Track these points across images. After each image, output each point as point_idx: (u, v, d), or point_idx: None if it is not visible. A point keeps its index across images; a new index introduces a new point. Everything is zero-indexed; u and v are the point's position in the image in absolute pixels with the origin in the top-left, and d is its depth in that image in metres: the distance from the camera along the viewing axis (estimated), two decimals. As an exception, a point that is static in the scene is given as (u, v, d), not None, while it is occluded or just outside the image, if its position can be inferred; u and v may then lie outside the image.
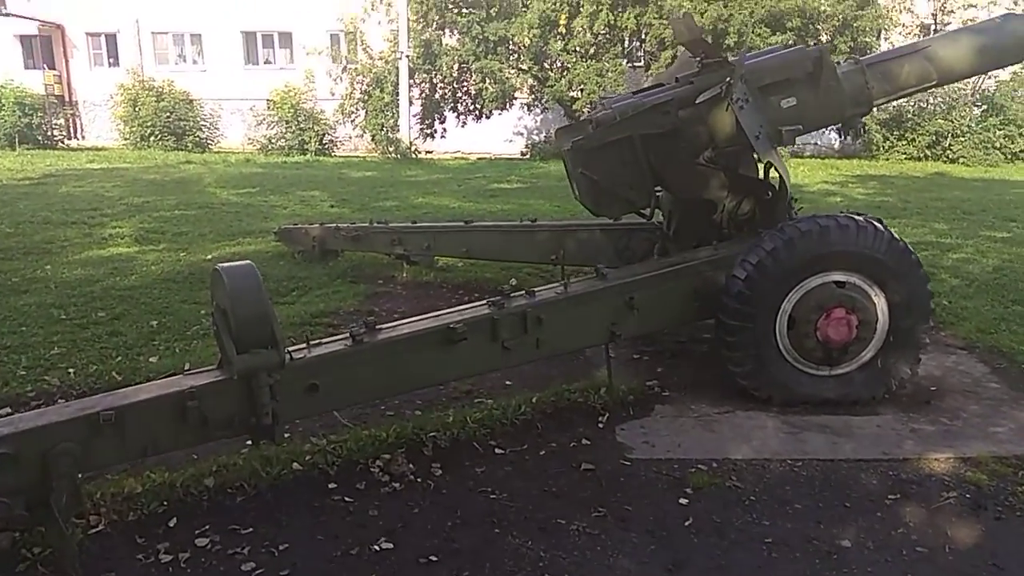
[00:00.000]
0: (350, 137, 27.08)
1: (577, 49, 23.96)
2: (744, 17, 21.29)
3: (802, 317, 4.34)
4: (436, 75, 25.37)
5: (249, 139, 25.89)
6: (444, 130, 26.98)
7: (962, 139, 22.99)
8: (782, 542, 3.16)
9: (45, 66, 31.25)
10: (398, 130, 25.10)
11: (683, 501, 3.44)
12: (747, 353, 4.39)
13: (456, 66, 24.80)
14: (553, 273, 7.62)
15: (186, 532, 3.09)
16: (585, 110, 24.30)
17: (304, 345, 3.52)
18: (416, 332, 3.69)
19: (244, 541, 3.07)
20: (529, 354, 4.09)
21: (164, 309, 6.09)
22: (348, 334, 3.60)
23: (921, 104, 22.30)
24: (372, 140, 26.04)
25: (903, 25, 24.53)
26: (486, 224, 7.22)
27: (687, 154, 4.99)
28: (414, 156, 24.57)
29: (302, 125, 25.37)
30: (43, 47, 32.04)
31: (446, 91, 26.21)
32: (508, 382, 4.82)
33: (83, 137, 30.59)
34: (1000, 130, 22.99)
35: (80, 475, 2.96)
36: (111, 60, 32.04)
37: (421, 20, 24.93)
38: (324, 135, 25.66)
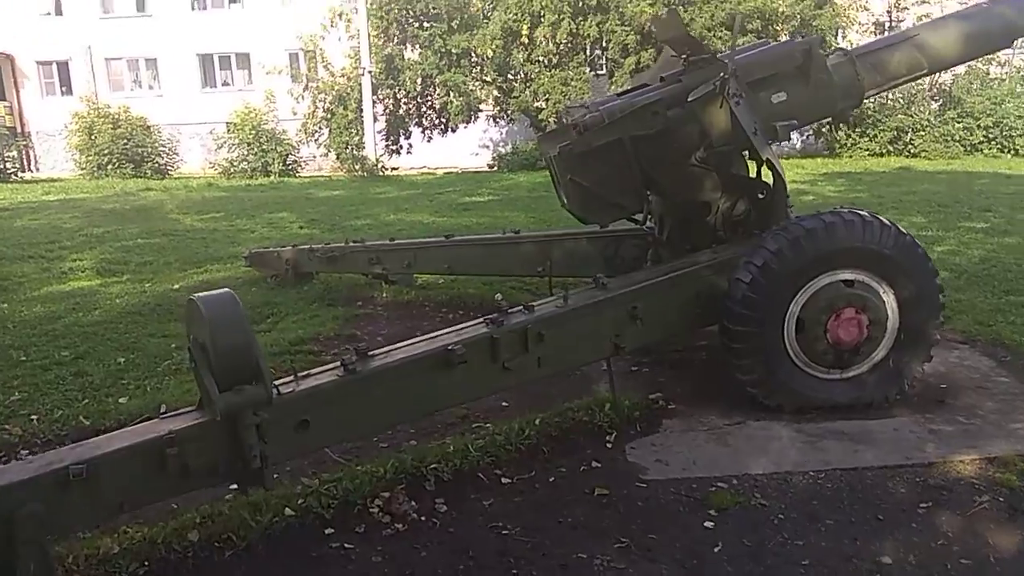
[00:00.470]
0: (314, 157, 26.72)
1: (540, 59, 23.95)
2: (705, 20, 21.42)
3: (811, 319, 4.16)
4: (400, 90, 25.18)
5: (210, 163, 25.41)
6: (410, 146, 26.76)
7: (922, 133, 23.35)
8: (820, 563, 2.94)
9: (-6, 97, 30.45)
10: (364, 147, 24.80)
11: (708, 525, 3.21)
12: (755, 360, 4.19)
13: (419, 80, 24.60)
14: (538, 286, 7.40)
15: (171, 596, 2.79)
16: (551, 120, 24.25)
17: (291, 378, 3.23)
18: (412, 357, 3.42)
19: (236, 602, 2.77)
20: (530, 373, 3.84)
21: (132, 344, 5.73)
22: (339, 363, 3.32)
23: (881, 100, 22.59)
24: (337, 159, 25.72)
25: (859, 23, 24.92)
26: (468, 238, 6.97)
27: (678, 155, 4.80)
28: (381, 173, 24.29)
29: (264, 147, 24.94)
30: (-8, 78, 31.20)
31: (410, 106, 26.04)
32: (505, 403, 4.57)
33: (37, 169, 29.84)
34: (959, 123, 23.40)
35: (49, 538, 2.64)
36: (63, 88, 31.33)
37: (382, 35, 24.76)
38: (287, 156, 25.26)
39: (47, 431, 4.21)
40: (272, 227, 12.28)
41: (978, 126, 23.34)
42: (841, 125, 22.38)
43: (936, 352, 4.95)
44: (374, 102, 24.99)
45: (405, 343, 3.60)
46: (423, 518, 3.29)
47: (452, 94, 24.46)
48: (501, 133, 30.03)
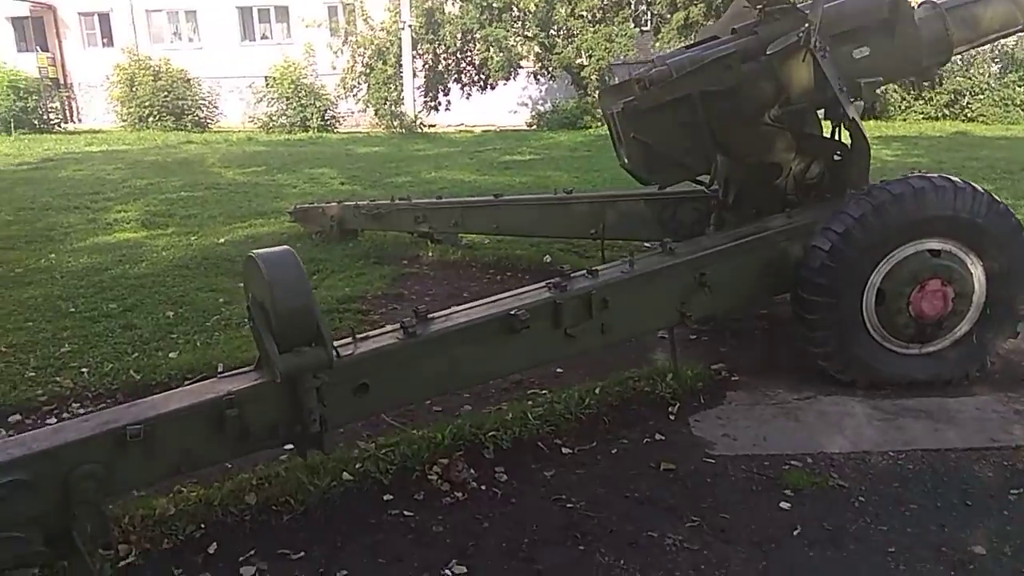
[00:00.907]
0: (352, 113, 26.48)
1: (584, 14, 23.26)
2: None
3: (893, 291, 3.91)
4: (439, 45, 24.69)
5: (250, 117, 25.30)
6: (448, 103, 26.36)
7: (981, 97, 22.36)
8: (907, 551, 2.76)
9: (38, 48, 30.63)
10: (402, 103, 24.50)
11: (784, 505, 3.04)
12: (830, 332, 3.97)
13: (460, 35, 24.09)
14: (586, 248, 7.21)
15: (229, 559, 2.71)
16: (593, 77, 23.71)
17: (349, 339, 3.10)
18: (473, 321, 3.26)
19: (296, 568, 2.68)
20: (593, 341, 3.66)
21: (180, 298, 5.67)
22: (399, 325, 3.17)
23: (939, 62, 21.56)
24: (375, 115, 25.44)
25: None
26: (517, 198, 6.76)
27: (751, 112, 4.52)
28: (419, 130, 24.00)
29: (303, 101, 24.76)
30: (35, 29, 31.39)
31: (450, 62, 25.55)
32: (559, 370, 4.41)
33: (80, 120, 30.07)
34: (1021, 86, 22.35)
35: (105, 499, 2.56)
36: (105, 40, 31.38)
37: (423, -13, 24.19)
38: (326, 111, 25.06)
39: (97, 384, 4.16)
40: (313, 182, 12.17)
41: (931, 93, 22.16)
42: (896, 87, 21.52)
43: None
44: (413, 57, 24.61)
45: (464, 306, 3.44)
46: (483, 487, 3.17)
47: (492, 49, 23.92)
48: (540, 91, 29.43)
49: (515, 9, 24.11)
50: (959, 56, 21.99)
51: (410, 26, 23.53)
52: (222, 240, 7.67)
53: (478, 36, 24.35)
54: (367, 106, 25.73)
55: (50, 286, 5.99)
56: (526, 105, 29.97)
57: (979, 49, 22.19)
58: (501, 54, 23.81)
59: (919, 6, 4.77)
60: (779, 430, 3.67)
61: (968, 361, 4.07)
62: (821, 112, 4.68)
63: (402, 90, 24.71)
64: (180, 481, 3.00)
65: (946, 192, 3.86)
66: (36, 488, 2.42)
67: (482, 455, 3.37)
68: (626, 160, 4.93)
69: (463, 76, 26.25)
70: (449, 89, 26.34)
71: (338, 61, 25.35)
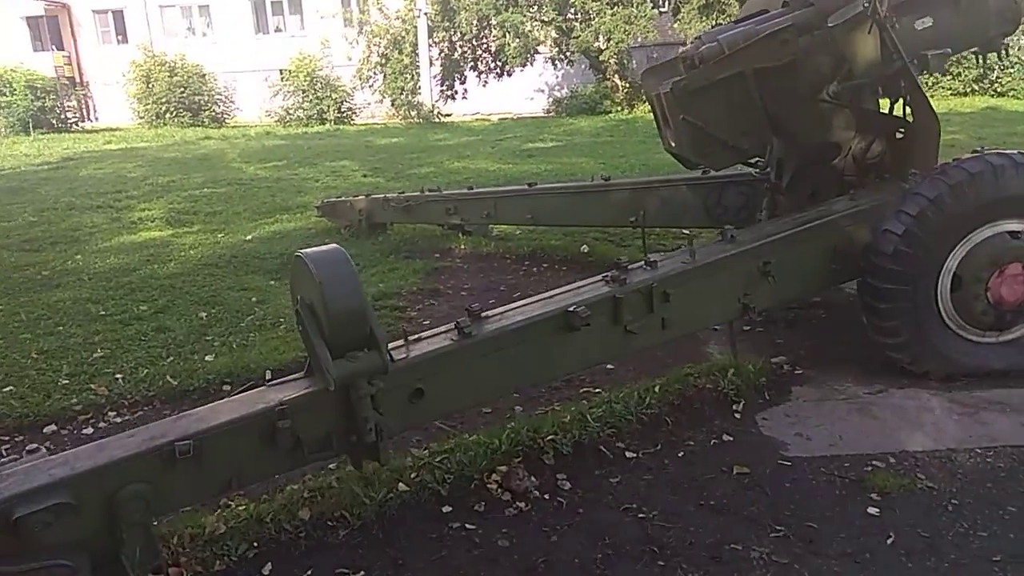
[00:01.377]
0: (368, 104, 26.31)
1: (601, -4, 22.86)
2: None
3: (970, 276, 3.67)
4: (455, 32, 24.42)
5: (266, 111, 25.20)
6: (465, 91, 26.11)
7: (1011, 71, 21.77)
8: (1015, 559, 2.54)
9: (54, 47, 30.69)
10: (419, 93, 24.29)
11: (873, 511, 2.83)
12: (903, 321, 3.73)
13: (475, 21, 23.79)
14: (623, 237, 6.99)
15: (285, 581, 2.54)
16: (611, 61, 23.35)
17: (402, 342, 2.91)
18: (531, 319, 3.06)
19: (357, 589, 2.51)
20: (654, 337, 3.46)
21: (211, 299, 5.52)
22: (453, 326, 2.98)
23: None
24: (392, 105, 25.28)
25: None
26: (553, 187, 6.55)
27: (808, 89, 4.27)
28: (437, 119, 23.79)
29: (319, 94, 24.66)
30: (50, 28, 31.44)
31: (466, 49, 25.28)
32: (610, 366, 4.20)
33: (96, 118, 30.11)
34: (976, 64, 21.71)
35: (154, 521, 2.40)
36: (119, 37, 31.41)
37: (438, -25, 23.92)
38: (342, 103, 24.93)
39: (133, 391, 4.01)
40: (335, 176, 12.02)
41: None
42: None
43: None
44: (429, 46, 24.38)
45: (518, 304, 3.24)
46: (546, 496, 2.98)
47: (509, 35, 23.62)
48: (557, 77, 29.10)
49: (532, -7, 23.80)
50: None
51: (426, 14, 23.28)
52: (249, 237, 7.52)
53: (494, 22, 24.06)
54: (383, 97, 25.57)
55: (78, 288, 5.87)
56: (542, 91, 29.64)
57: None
58: (518, 40, 23.50)
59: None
60: (854, 428, 3.45)
61: (1049, 350, 3.82)
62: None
63: (418, 79, 24.50)
64: (227, 495, 2.83)
65: (1027, 170, 3.60)
66: (82, 511, 2.26)
67: (542, 461, 3.18)
68: (672, 144, 4.70)
69: (479, 63, 25.98)
70: (466, 77, 26.09)
71: (353, 52, 25.19)
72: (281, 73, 27.41)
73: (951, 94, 21.74)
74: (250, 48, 30.31)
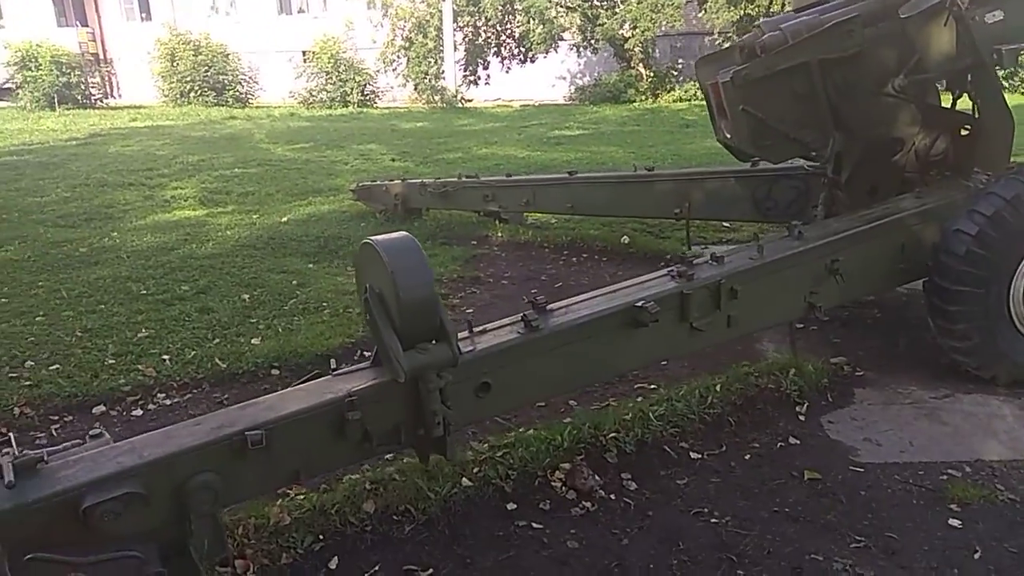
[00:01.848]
0: (391, 87, 26.15)
1: (629, -16, 22.58)
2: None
3: (1046, 281, 3.55)
4: (479, 17, 24.21)
5: (290, 92, 25.09)
6: (488, 76, 25.91)
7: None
8: (1108, 580, 2.44)
9: (78, 23, 30.71)
10: (443, 77, 24.12)
11: (954, 523, 2.73)
12: (973, 325, 3.61)
13: (501, 7, 23.57)
14: (663, 228, 6.88)
15: (352, 575, 2.47)
16: (636, 49, 23.09)
17: (467, 333, 2.83)
18: (598, 314, 2.97)
19: (425, 587, 2.44)
20: (719, 335, 3.36)
21: (252, 280, 5.45)
22: (520, 318, 2.89)
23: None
24: (415, 89, 25.10)
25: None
26: (593, 176, 6.42)
27: (873, 82, 4.14)
28: (461, 105, 23.62)
29: (343, 76, 24.49)
30: (75, 4, 31.44)
31: (490, 34, 25.07)
32: (664, 362, 4.10)
33: (119, 95, 30.11)
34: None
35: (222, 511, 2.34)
36: (143, 15, 31.38)
37: (464, -42, 23.68)
38: (365, 86, 24.77)
39: (181, 373, 3.96)
40: (364, 159, 11.93)
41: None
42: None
43: None
44: (454, 30, 24.17)
45: (582, 297, 3.13)
46: (612, 496, 2.90)
47: (533, 21, 23.39)
48: (579, 64, 28.82)
49: (559, -21, 23.53)
50: None
51: (452, -2, 23.06)
52: (284, 219, 7.45)
53: (519, 7, 23.83)
54: (407, 80, 25.40)
55: (117, 266, 5.82)
56: (564, 79, 29.38)
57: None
58: (542, 26, 23.26)
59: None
60: (925, 434, 3.34)
61: (1122, 357, 3.69)
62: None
63: (442, 64, 24.32)
64: (292, 486, 2.76)
65: (1111, 170, 3.47)
66: (151, 500, 2.19)
67: (604, 459, 3.10)
68: (728, 135, 4.58)
69: (503, 49, 25.77)
70: (489, 63, 25.89)
71: (377, 35, 25.02)
72: (304, 54, 27.29)
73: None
74: (273, 29, 30.18)
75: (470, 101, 24.89)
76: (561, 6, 23.91)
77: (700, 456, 3.17)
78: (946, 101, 4.44)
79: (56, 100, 22.98)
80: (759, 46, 4.22)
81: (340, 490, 2.78)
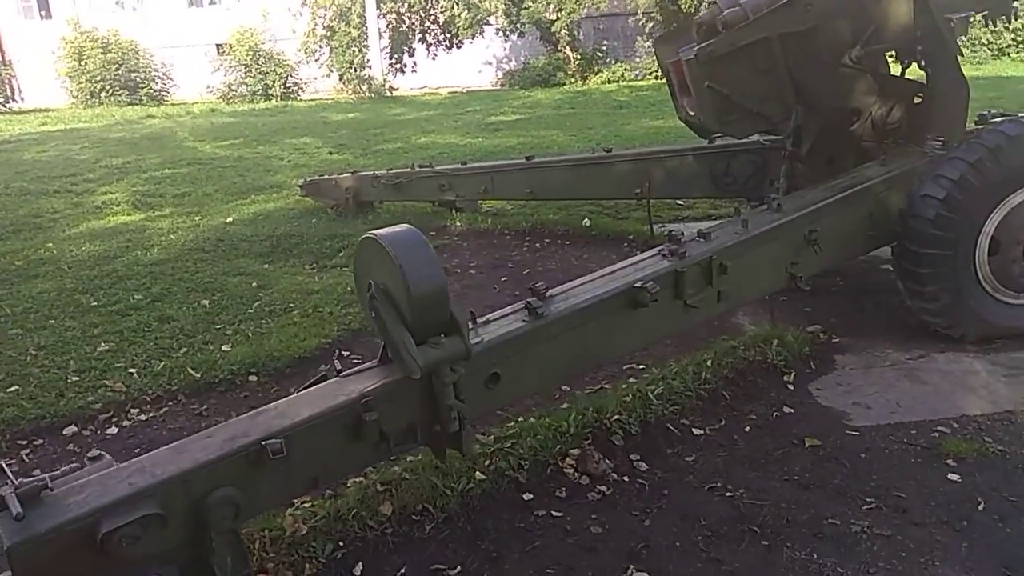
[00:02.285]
0: (315, 78, 25.53)
1: (552, -34, 22.59)
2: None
3: (1008, 239, 3.72)
4: (403, 3, 23.87)
5: (208, 87, 24.21)
6: (415, 64, 25.61)
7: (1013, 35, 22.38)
8: (1102, 520, 2.57)
9: (-28, 23, 28.83)
10: (369, 67, 23.68)
11: (954, 477, 2.83)
12: (943, 286, 3.75)
13: (424, -7, 23.29)
14: (621, 209, 6.92)
15: (380, 582, 2.40)
16: (562, 32, 23.16)
17: (471, 324, 2.77)
18: (599, 297, 2.95)
19: (457, 586, 2.39)
20: (711, 310, 3.39)
21: (209, 285, 5.23)
22: (523, 306, 2.85)
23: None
24: (341, 79, 24.59)
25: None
26: (551, 160, 6.39)
27: (831, 55, 4.24)
28: (389, 94, 23.26)
29: (263, 68, 23.80)
30: (-34, 2, 29.49)
31: (414, 21, 24.76)
32: (666, 342, 4.10)
33: (22, 99, 28.44)
34: (985, 27, 22.45)
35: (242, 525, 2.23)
36: (43, 12, 29.71)
37: (383, -56, 23.26)
38: (288, 77, 24.14)
39: (153, 386, 3.76)
40: (300, 153, 11.61)
41: (1006, 28, 22.35)
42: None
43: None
44: (377, 17, 23.74)
45: (579, 281, 3.11)
46: (625, 478, 2.90)
47: (458, 6, 23.20)
48: (505, 49, 28.75)
49: (481, -37, 23.36)
50: None
51: (373, -16, 22.63)
52: (230, 219, 7.18)
53: (443, -7, 23.61)
54: (331, 71, 24.86)
55: (60, 278, 5.49)
56: (490, 64, 29.28)
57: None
58: (467, 11, 23.10)
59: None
60: (909, 395, 3.46)
61: (1079, 309, 3.90)
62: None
63: (367, 53, 23.88)
64: (310, 494, 2.66)
65: (1064, 132, 3.64)
66: (169, 520, 2.07)
67: (611, 442, 3.09)
68: (691, 112, 4.63)
69: (428, 36, 25.50)
70: (415, 50, 25.57)
71: (297, 24, 24.38)
72: (219, 48, 26.40)
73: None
74: (184, 22, 29.03)
75: (396, 90, 24.52)
76: (486, -10, 23.78)
77: (703, 432, 3.21)
78: (896, 71, 4.60)
79: (-47, 106, 21.58)
80: (720, 22, 4.25)
81: (351, 494, 2.69)
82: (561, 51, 24.06)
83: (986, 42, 22.45)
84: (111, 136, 14.49)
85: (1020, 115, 3.83)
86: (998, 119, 3.98)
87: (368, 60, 23.87)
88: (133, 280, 5.36)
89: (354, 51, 23.80)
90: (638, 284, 3.00)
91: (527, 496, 2.79)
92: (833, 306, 4.54)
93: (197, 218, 7.29)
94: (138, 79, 23.60)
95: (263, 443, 2.19)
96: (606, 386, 3.60)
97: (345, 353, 4.21)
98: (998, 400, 3.36)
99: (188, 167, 10.36)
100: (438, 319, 2.47)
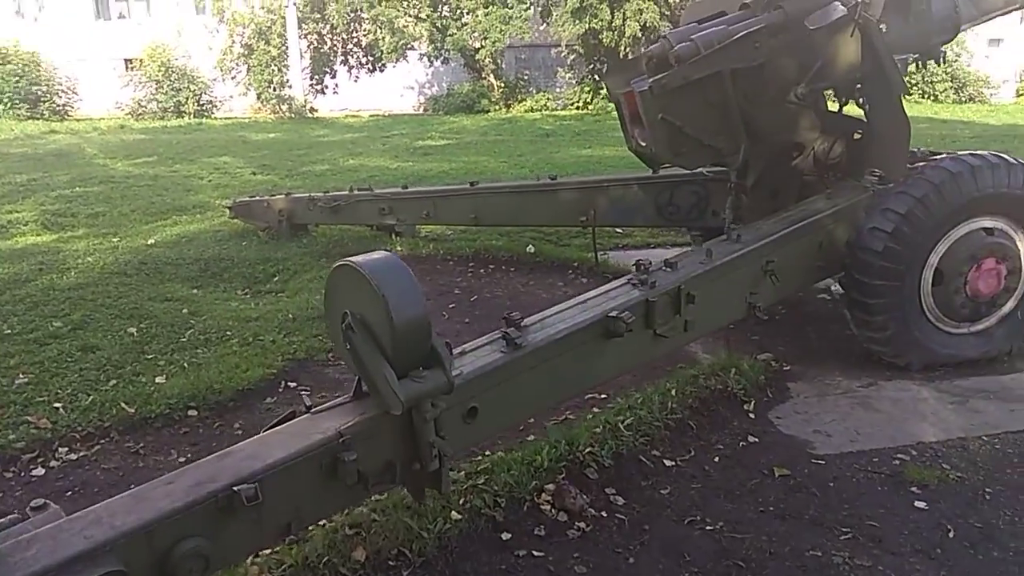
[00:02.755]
0: (231, 96, 24.82)
1: (477, -5, 22.81)
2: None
3: (951, 271, 3.88)
4: (325, 25, 23.56)
5: (116, 103, 23.15)
6: (336, 86, 25.27)
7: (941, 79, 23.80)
8: (1063, 543, 2.66)
9: None
10: (289, 87, 23.20)
11: (920, 504, 2.88)
12: (891, 316, 3.88)
13: (347, 15, 23.05)
14: (562, 236, 6.92)
15: (357, 635, 2.22)
16: (487, 60, 23.34)
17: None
18: (577, 326, 2.88)
19: (442, 636, 2.24)
20: (678, 340, 3.39)
21: (135, 312, 4.88)
22: (500, 336, 2.75)
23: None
24: (258, 99, 23.98)
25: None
26: (496, 186, 6.35)
27: (777, 90, 4.36)
28: (310, 115, 22.81)
29: (176, 85, 22.96)
30: None
31: (336, 43, 24.46)
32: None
33: (-93, 109, 26.43)
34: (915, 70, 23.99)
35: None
36: (-68, 17, 27.77)
37: (305, -35, 22.95)
38: (202, 95, 23.35)
39: (82, 422, 3.44)
40: (221, 173, 11.18)
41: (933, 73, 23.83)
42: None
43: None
44: (298, 37, 23.33)
45: (553, 311, 3.03)
46: (603, 513, 2.82)
47: (382, 30, 23.06)
48: (428, 74, 28.76)
49: (405, -11, 23.37)
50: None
51: (295, 3, 22.24)
52: (151, 241, 6.78)
53: (366, 16, 23.43)
54: (248, 89, 24.22)
55: (-36, 303, 5.03)
56: (413, 89, 29.23)
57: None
58: (392, 35, 23.00)
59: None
60: (866, 422, 3.53)
61: (1012, 337, 4.11)
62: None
63: (287, 72, 23.40)
64: (283, 541, 2.45)
65: (999, 169, 3.84)
66: (132, 579, 1.86)
67: (585, 475, 3.01)
68: (642, 143, 4.66)
69: (350, 58, 25.24)
70: (336, 72, 25.24)
71: (214, 41, 23.69)
72: (128, 63, 25.39)
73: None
74: (91, 35, 27.71)
75: (316, 111, 24.09)
76: (411, 16, 23.74)
77: (674, 463, 3.17)
78: (833, 108, 4.78)
79: None
80: (673, 57, 4.31)
81: (319, 539, 2.50)
82: (485, 78, 24.24)
83: (915, 82, 23.92)
84: (12, 151, 13.60)
85: (959, 153, 4.01)
86: (938, 156, 4.17)
87: (288, 80, 23.37)
88: (50, 306, 4.95)
89: (273, 70, 23.29)
90: (613, 314, 2.95)
91: (505, 536, 2.67)
92: (779, 334, 4.63)
93: (115, 239, 6.85)
94: (40, 92, 22.31)
95: (235, 488, 2.01)
96: (571, 416, 3.53)
97: (292, 384, 4.00)
98: (949, 427, 3.46)
99: (100, 185, 9.79)
100: (420, 351, 2.34)
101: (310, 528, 2.62)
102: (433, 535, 2.56)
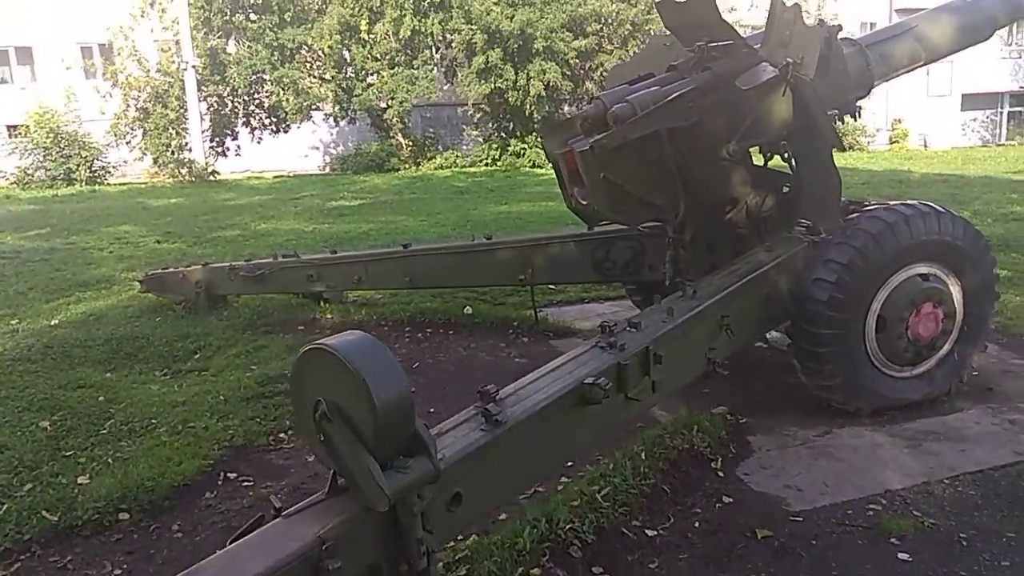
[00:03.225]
0: (125, 162, 23.82)
1: (380, 57, 22.91)
2: (549, 21, 21.62)
3: (894, 316, 3.99)
4: (225, 87, 23.06)
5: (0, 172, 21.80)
6: (238, 147, 24.68)
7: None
8: (1043, 585, 2.69)
9: None
10: (189, 150, 22.46)
11: (904, 556, 2.88)
12: (839, 363, 3.95)
13: (248, 77, 22.66)
14: (496, 295, 6.83)
15: None
16: (395, 120, 23.35)
17: (424, 438, 2.47)
18: (553, 396, 2.77)
19: None
20: (648, 402, 3.32)
21: (45, 403, 4.43)
22: (476, 412, 2.60)
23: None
24: (155, 163, 23.10)
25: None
26: (430, 248, 6.20)
27: (710, 149, 4.46)
28: (212, 178, 22.10)
29: (65, 152, 21.84)
30: None
31: (237, 104, 23.97)
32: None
33: None
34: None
35: None
36: None
37: (203, 27, 22.53)
38: (94, 161, 22.29)
39: (-4, 536, 3.04)
40: (123, 243, 10.57)
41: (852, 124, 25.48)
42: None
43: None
44: (198, 100, 22.72)
45: (525, 381, 2.91)
46: (594, 595, 2.67)
47: (286, 91, 22.77)
48: (332, 134, 28.53)
49: (308, 50, 23.22)
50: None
51: (194, 67, 21.70)
52: (54, 322, 6.26)
53: (269, 78, 23.12)
54: (144, 154, 23.32)
55: None
56: (318, 149, 28.90)
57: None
58: (296, 96, 22.73)
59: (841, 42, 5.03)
60: (831, 473, 3.53)
61: (951, 377, 4.25)
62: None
63: (187, 135, 22.68)
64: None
65: (930, 218, 4.01)
66: None
67: (569, 554, 2.86)
68: (583, 201, 4.66)
69: (252, 119, 24.75)
70: (237, 133, 24.67)
71: (107, 106, 22.77)
72: (11, 129, 24.08)
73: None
74: (-33, 100, 26.16)
75: (218, 174, 23.38)
76: (315, 77, 23.58)
77: (656, 533, 3.06)
78: (759, 162, 4.93)
79: None
80: (610, 117, 4.35)
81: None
82: (393, 137, 24.24)
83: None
84: None
85: (890, 203, 4.18)
86: (866, 205, 4.33)
87: (188, 143, 22.64)
88: (-57, 400, 4.44)
89: (172, 133, 22.54)
90: (589, 380, 2.85)
91: (497, 631, 2.48)
92: (728, 386, 4.64)
93: (14, 321, 6.29)
94: (-91, 161, 20.76)
95: (214, 617, 1.77)
96: (540, 490, 3.37)
97: (232, 475, 3.68)
98: (911, 472, 3.51)
99: (-12, 261, 9.07)
100: (404, 437, 2.17)
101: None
102: (422, 639, 2.34)
